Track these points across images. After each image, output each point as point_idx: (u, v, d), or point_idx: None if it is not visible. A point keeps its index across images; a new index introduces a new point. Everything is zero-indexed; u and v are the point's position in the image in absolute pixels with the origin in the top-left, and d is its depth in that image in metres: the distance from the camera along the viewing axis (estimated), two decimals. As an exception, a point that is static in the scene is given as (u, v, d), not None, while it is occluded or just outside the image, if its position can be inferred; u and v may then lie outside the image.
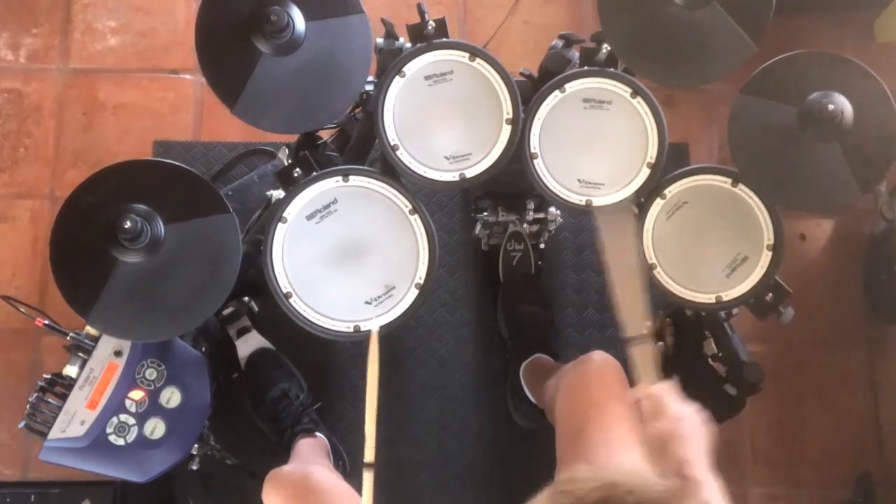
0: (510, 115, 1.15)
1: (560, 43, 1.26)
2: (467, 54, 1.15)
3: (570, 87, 1.17)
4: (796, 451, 1.70)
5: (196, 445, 1.34)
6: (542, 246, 1.65)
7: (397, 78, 1.15)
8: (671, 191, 1.19)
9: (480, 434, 1.64)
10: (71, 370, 1.25)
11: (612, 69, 1.18)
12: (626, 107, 1.18)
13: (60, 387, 1.26)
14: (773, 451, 1.70)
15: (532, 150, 1.17)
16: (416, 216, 1.16)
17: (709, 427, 0.89)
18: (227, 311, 1.50)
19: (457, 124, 1.16)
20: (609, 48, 1.17)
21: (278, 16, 1.06)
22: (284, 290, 1.14)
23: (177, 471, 1.32)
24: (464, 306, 1.69)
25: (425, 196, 1.69)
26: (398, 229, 1.16)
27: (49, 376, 1.27)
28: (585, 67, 1.19)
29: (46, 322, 1.29)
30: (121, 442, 1.25)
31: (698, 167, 1.20)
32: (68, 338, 1.26)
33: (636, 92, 1.17)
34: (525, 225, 1.58)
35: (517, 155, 1.16)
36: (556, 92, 1.17)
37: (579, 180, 1.19)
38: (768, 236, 1.18)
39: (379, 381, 0.95)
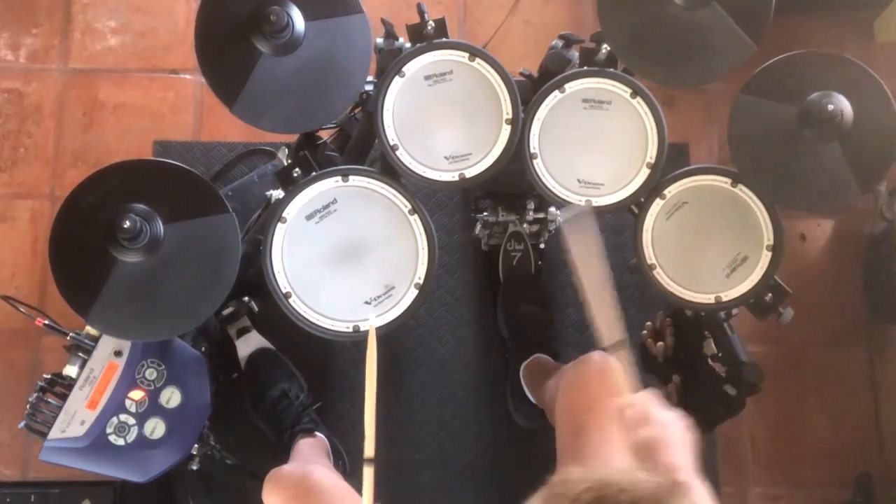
0: (510, 115, 1.15)
1: (560, 43, 1.26)
2: (467, 54, 1.15)
3: (570, 87, 1.17)
4: (796, 451, 1.70)
5: (196, 445, 1.34)
6: (542, 246, 1.65)
7: (397, 78, 1.15)
8: (671, 191, 1.19)
9: (480, 434, 1.64)
10: (71, 370, 1.25)
11: (611, 69, 1.18)
12: (625, 107, 1.18)
13: (60, 387, 1.26)
14: (773, 451, 1.70)
15: (532, 150, 1.17)
16: (416, 216, 1.16)
17: (693, 432, 0.89)
18: (227, 311, 1.50)
19: (456, 124, 1.17)
20: (609, 48, 1.17)
21: (278, 16, 1.06)
22: (284, 290, 1.14)
23: (177, 471, 1.32)
24: (464, 306, 1.69)
25: (425, 196, 1.69)
26: (398, 229, 1.16)
27: (49, 376, 1.27)
28: (585, 67, 1.19)
29: (46, 322, 1.29)
30: (121, 442, 1.25)
31: (698, 167, 1.20)
32: (68, 338, 1.26)
33: (636, 92, 1.17)
34: (525, 225, 1.58)
35: (517, 155, 1.16)
36: (556, 92, 1.17)
37: (579, 180, 1.19)
38: (768, 236, 1.18)
39: (378, 378, 0.95)
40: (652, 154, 1.18)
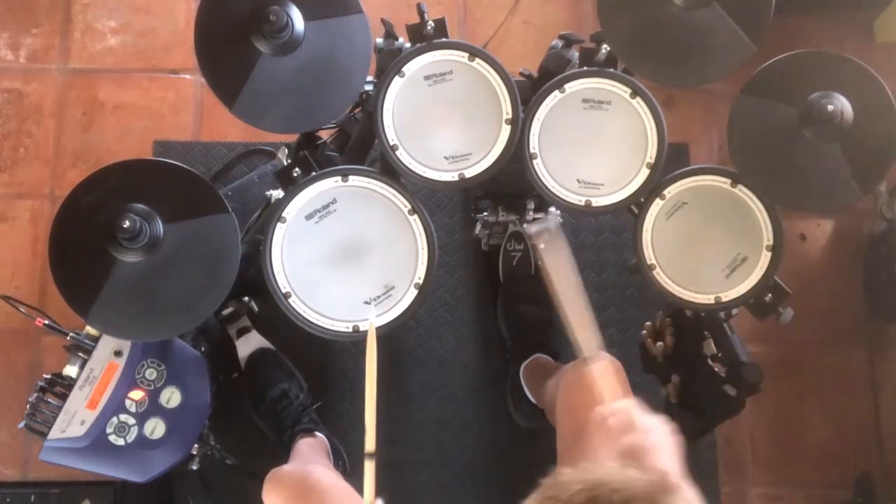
0: (510, 115, 1.15)
1: (560, 43, 1.26)
2: (467, 54, 1.15)
3: (570, 87, 1.17)
4: (796, 451, 1.70)
5: (196, 445, 1.34)
6: (542, 246, 1.65)
7: (397, 78, 1.15)
8: (671, 191, 1.19)
9: (480, 434, 1.64)
10: (71, 370, 1.25)
11: (611, 69, 1.18)
12: (625, 107, 1.18)
13: (60, 387, 1.26)
14: (773, 451, 1.70)
15: (531, 150, 1.17)
16: (416, 216, 1.16)
17: (677, 437, 0.89)
18: (227, 311, 1.50)
19: (456, 124, 1.17)
20: (609, 48, 1.17)
21: (277, 16, 1.06)
22: (284, 291, 1.14)
23: (177, 471, 1.32)
24: (464, 306, 1.69)
25: (425, 196, 1.69)
26: (397, 229, 1.16)
27: (49, 376, 1.27)
28: (585, 67, 1.19)
29: (46, 322, 1.29)
30: (121, 442, 1.25)
31: (698, 167, 1.20)
32: (68, 338, 1.26)
33: (636, 92, 1.17)
34: (525, 225, 1.58)
35: (517, 155, 1.16)
36: (556, 92, 1.17)
37: (579, 180, 1.19)
38: (768, 237, 1.18)
39: (378, 377, 0.95)
40: (652, 154, 1.18)
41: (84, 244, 1.10)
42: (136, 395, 1.26)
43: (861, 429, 1.71)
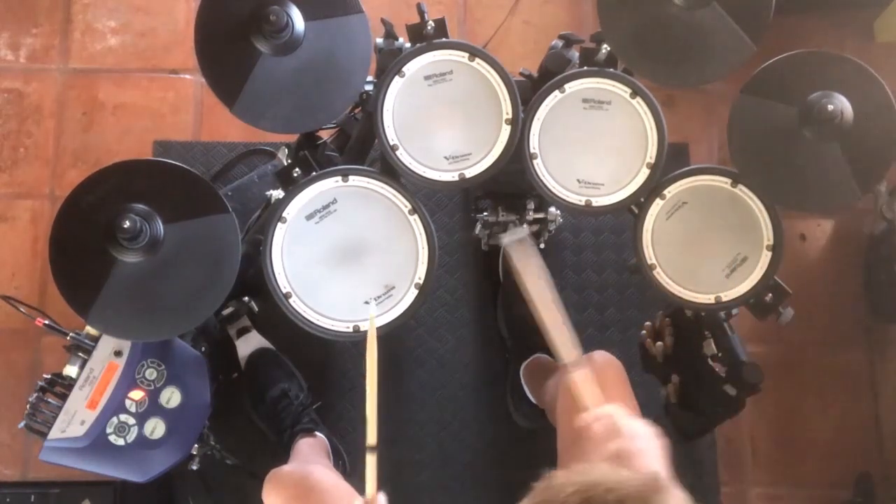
0: (510, 115, 1.15)
1: (560, 43, 1.26)
2: (467, 54, 1.15)
3: (570, 87, 1.17)
4: (796, 451, 1.70)
5: (196, 445, 1.34)
6: (542, 246, 1.65)
7: (397, 78, 1.15)
8: (671, 191, 1.19)
9: (480, 434, 1.64)
10: (71, 370, 1.25)
11: (611, 69, 1.18)
12: (625, 107, 1.18)
13: (60, 387, 1.26)
14: (773, 451, 1.70)
15: (532, 150, 1.17)
16: (416, 216, 1.16)
17: (662, 440, 0.89)
18: (227, 311, 1.50)
19: (456, 124, 1.17)
20: (609, 48, 1.17)
21: (277, 16, 1.06)
22: (284, 291, 1.14)
23: (177, 471, 1.32)
24: (464, 306, 1.69)
25: (425, 196, 1.69)
26: (398, 229, 1.16)
27: (49, 376, 1.27)
28: (585, 67, 1.19)
29: (46, 322, 1.29)
30: (121, 442, 1.25)
31: (698, 167, 1.20)
32: (68, 338, 1.26)
33: (636, 92, 1.17)
34: (525, 225, 1.58)
35: (517, 155, 1.16)
36: (556, 92, 1.17)
37: (579, 180, 1.19)
38: (768, 236, 1.18)
39: (378, 376, 0.95)
40: (652, 154, 1.18)
41: (84, 244, 1.10)
42: (136, 395, 1.26)
43: (861, 429, 1.71)
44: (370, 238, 1.16)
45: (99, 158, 1.74)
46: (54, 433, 1.24)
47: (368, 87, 1.21)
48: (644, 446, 0.86)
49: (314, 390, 1.58)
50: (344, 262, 1.15)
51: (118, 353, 1.27)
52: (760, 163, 1.15)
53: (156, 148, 1.75)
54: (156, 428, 1.27)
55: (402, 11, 1.67)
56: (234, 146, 1.74)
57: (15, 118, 1.77)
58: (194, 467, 1.39)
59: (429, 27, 1.15)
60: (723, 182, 1.19)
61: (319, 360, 1.64)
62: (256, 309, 1.51)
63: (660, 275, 1.19)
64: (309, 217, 1.15)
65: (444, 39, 1.16)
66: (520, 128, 1.15)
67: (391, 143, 1.15)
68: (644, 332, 1.47)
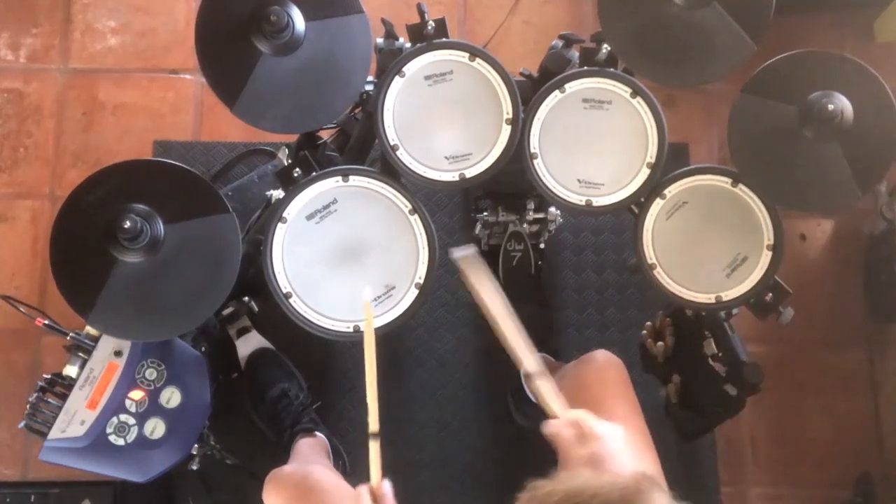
0: (510, 115, 1.15)
1: (560, 43, 1.26)
2: (467, 54, 1.15)
3: (570, 87, 1.17)
4: (796, 451, 1.70)
5: (196, 445, 1.34)
6: (542, 246, 1.65)
7: (397, 78, 1.15)
8: (671, 191, 1.19)
9: (480, 434, 1.64)
10: (71, 370, 1.25)
11: (612, 69, 1.18)
12: (625, 107, 1.18)
13: (60, 387, 1.26)
14: (773, 451, 1.70)
15: (532, 150, 1.17)
16: (416, 216, 1.16)
17: (630, 439, 0.90)
18: (227, 311, 1.50)
19: (457, 124, 1.17)
20: (609, 48, 1.17)
21: (278, 16, 1.06)
22: (284, 291, 1.14)
23: (177, 471, 1.32)
24: (464, 306, 1.69)
25: (425, 196, 1.69)
26: (398, 229, 1.16)
27: (49, 376, 1.27)
28: (585, 67, 1.19)
29: (46, 322, 1.29)
30: (121, 442, 1.25)
31: (698, 167, 1.20)
32: (68, 338, 1.26)
33: (636, 92, 1.17)
34: (525, 225, 1.58)
35: (517, 155, 1.16)
36: (556, 92, 1.17)
37: (579, 180, 1.19)
38: (768, 236, 1.18)
39: (378, 376, 0.95)
40: (652, 154, 1.18)
41: (84, 244, 1.10)
42: (136, 395, 1.26)
43: (861, 429, 1.71)
44: (370, 238, 1.16)
45: (99, 158, 1.74)
46: (54, 433, 1.24)
47: (369, 87, 1.21)
48: (615, 447, 0.87)
49: (314, 390, 1.58)
50: (344, 262, 1.15)
51: (118, 353, 1.27)
52: (760, 163, 1.15)
53: (156, 148, 1.75)
54: (156, 428, 1.27)
55: (402, 11, 1.67)
56: (234, 146, 1.74)
57: (15, 118, 1.77)
58: (194, 467, 1.39)
59: (429, 27, 1.15)
60: (723, 182, 1.19)
61: (319, 360, 1.64)
62: (256, 309, 1.51)
63: (660, 275, 1.19)
64: (309, 217, 1.15)
65: (444, 39, 1.16)
66: (520, 128, 1.15)
67: (391, 143, 1.15)
68: (644, 332, 1.47)
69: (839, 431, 1.70)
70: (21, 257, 1.71)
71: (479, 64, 1.16)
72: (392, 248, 1.16)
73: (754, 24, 1.11)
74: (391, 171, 1.16)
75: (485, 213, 1.54)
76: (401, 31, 1.21)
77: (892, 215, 1.67)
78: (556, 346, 1.62)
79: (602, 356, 1.22)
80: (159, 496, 1.54)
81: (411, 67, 1.16)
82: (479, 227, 1.58)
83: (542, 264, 1.66)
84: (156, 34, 1.82)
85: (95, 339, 1.27)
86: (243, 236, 1.30)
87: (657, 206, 1.19)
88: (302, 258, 1.15)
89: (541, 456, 1.02)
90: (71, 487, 1.53)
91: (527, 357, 0.93)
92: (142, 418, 1.26)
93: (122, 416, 1.26)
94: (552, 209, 1.52)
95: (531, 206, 1.47)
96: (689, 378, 1.38)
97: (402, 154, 1.15)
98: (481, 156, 1.16)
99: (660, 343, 1.41)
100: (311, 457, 1.42)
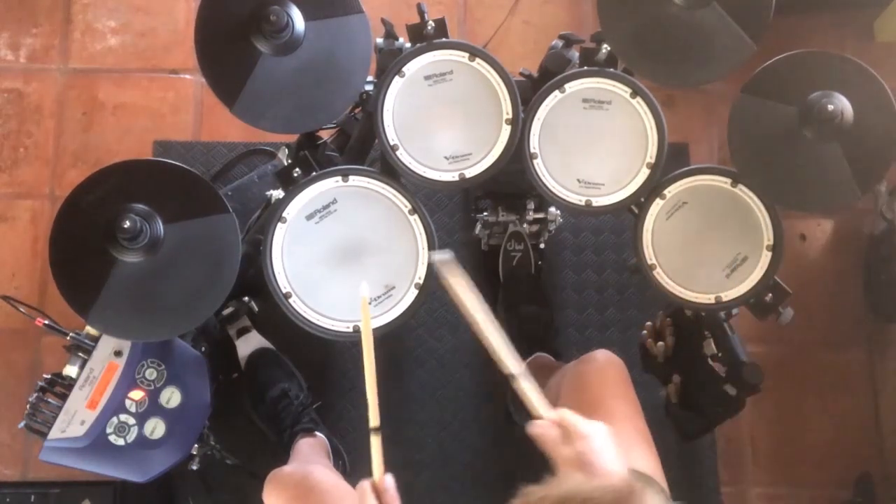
0: (510, 115, 1.15)
1: (560, 43, 1.26)
2: (467, 54, 1.15)
3: (570, 87, 1.17)
4: (796, 451, 1.70)
5: (196, 445, 1.34)
6: (542, 246, 1.65)
7: (397, 78, 1.15)
8: (671, 191, 1.19)
9: (480, 434, 1.64)
10: (71, 370, 1.25)
11: (611, 69, 1.18)
12: (625, 107, 1.18)
13: (60, 387, 1.26)
14: (773, 451, 1.70)
15: (532, 150, 1.17)
16: (416, 216, 1.16)
17: (614, 434, 0.89)
18: (227, 311, 1.50)
19: (457, 124, 1.16)
20: (609, 48, 1.17)
21: (278, 16, 1.06)
22: (284, 291, 1.14)
23: (177, 471, 1.32)
24: (464, 306, 1.69)
25: (425, 196, 1.69)
26: (398, 229, 1.16)
27: (49, 376, 1.27)
28: (585, 67, 1.19)
29: (46, 322, 1.29)
30: (121, 442, 1.25)
31: (698, 167, 1.20)
32: (68, 338, 1.26)
33: (636, 92, 1.17)
34: (525, 225, 1.58)
35: (517, 155, 1.16)
36: (556, 92, 1.17)
37: (579, 180, 1.19)
38: (768, 236, 1.18)
39: (378, 376, 0.95)
40: (652, 154, 1.18)
41: (84, 244, 1.10)
42: (136, 395, 1.26)
43: (861, 429, 1.71)
44: (370, 238, 1.16)
45: (99, 158, 1.74)
46: (54, 433, 1.24)
47: (368, 87, 1.21)
48: (601, 445, 0.87)
49: (314, 390, 1.58)
50: (344, 262, 1.15)
51: (118, 353, 1.27)
52: (760, 163, 1.15)
53: (156, 148, 1.75)
54: (156, 428, 1.27)
55: (402, 11, 1.67)
56: (234, 146, 1.74)
57: (15, 118, 1.77)
58: (194, 467, 1.39)
59: (429, 27, 1.15)
60: (723, 182, 1.19)
61: (319, 360, 1.64)
62: (256, 309, 1.51)
63: (660, 275, 1.19)
64: (309, 217, 1.15)
65: (444, 39, 1.16)
66: (520, 128, 1.15)
67: (391, 143, 1.15)
68: (644, 332, 1.47)
69: (839, 431, 1.70)
70: (21, 257, 1.71)
71: (479, 64, 1.16)
72: (392, 248, 1.16)
73: (754, 25, 1.11)
74: (391, 171, 1.16)
75: (485, 213, 1.54)
76: (401, 31, 1.21)
77: (892, 215, 1.67)
78: (557, 346, 1.62)
79: (602, 356, 1.22)
80: (159, 496, 1.54)
81: (411, 67, 1.15)
82: (479, 227, 1.58)
83: (542, 264, 1.66)
84: (156, 34, 1.82)
85: (95, 339, 1.27)
86: (243, 236, 1.30)
87: (657, 206, 1.19)
88: (302, 258, 1.15)
89: (541, 456, 1.02)
90: (71, 487, 1.53)
91: (508, 359, 0.93)
92: (142, 418, 1.26)
93: (122, 416, 1.26)
94: (552, 209, 1.52)
95: (531, 206, 1.47)
96: (689, 378, 1.38)
97: (401, 154, 1.15)
98: (481, 156, 1.16)
99: (660, 343, 1.41)
100: (311, 457, 1.42)
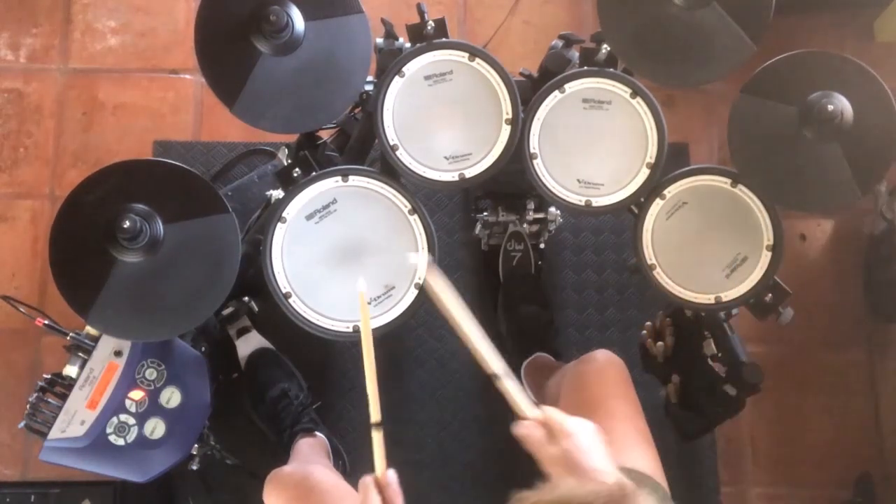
0: (510, 115, 1.15)
1: (560, 43, 1.26)
2: (467, 54, 1.15)
3: (570, 87, 1.17)
4: (796, 451, 1.70)
5: (196, 445, 1.34)
6: (542, 246, 1.65)
7: (397, 78, 1.15)
8: (671, 191, 1.19)
9: (480, 434, 1.64)
10: (71, 370, 1.25)
11: (611, 69, 1.18)
12: (625, 107, 1.18)
13: (60, 387, 1.26)
14: (773, 451, 1.70)
15: (532, 150, 1.17)
16: (416, 216, 1.16)
17: (601, 432, 0.89)
18: (227, 311, 1.50)
19: (456, 124, 1.16)
20: (609, 48, 1.17)
21: (277, 16, 1.06)
22: (284, 291, 1.14)
23: (177, 471, 1.32)
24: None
25: (425, 196, 1.69)
26: (398, 229, 1.16)
27: (49, 376, 1.27)
28: (585, 67, 1.19)
29: (46, 322, 1.29)
30: (121, 442, 1.25)
31: (698, 167, 1.20)
32: (68, 338, 1.26)
33: (636, 92, 1.17)
34: (525, 225, 1.58)
35: (517, 155, 1.16)
36: (556, 92, 1.17)
37: (579, 180, 1.19)
38: (768, 236, 1.18)
39: (378, 377, 0.95)
40: (652, 154, 1.18)
41: (84, 244, 1.10)
42: (136, 395, 1.26)
43: (861, 429, 1.71)
44: (370, 238, 1.16)
45: (99, 158, 1.74)
46: (54, 433, 1.24)
47: (368, 87, 1.21)
48: (587, 442, 0.86)
49: (314, 390, 1.58)
50: (344, 262, 1.15)
51: (118, 353, 1.27)
52: (760, 163, 1.15)
53: (156, 148, 1.75)
54: (156, 428, 1.27)
55: (402, 11, 1.67)
56: (234, 146, 1.74)
57: (15, 118, 1.77)
58: (194, 467, 1.39)
59: (429, 27, 1.15)
60: (723, 182, 1.19)
61: (319, 360, 1.64)
62: (256, 309, 1.51)
63: (660, 275, 1.19)
64: (309, 217, 1.15)
65: (444, 39, 1.16)
66: (520, 128, 1.15)
67: (391, 143, 1.15)
68: (644, 332, 1.47)
69: (839, 431, 1.70)
70: (21, 257, 1.71)
71: (479, 64, 1.16)
72: (392, 248, 1.16)
73: (754, 25, 1.11)
74: (391, 171, 1.16)
75: (485, 213, 1.54)
76: (401, 31, 1.21)
77: (892, 215, 1.67)
78: (557, 346, 1.62)
79: (602, 356, 1.22)
80: (159, 496, 1.54)
81: (411, 67, 1.15)
82: (479, 227, 1.58)
83: (542, 264, 1.66)
84: (156, 34, 1.82)
85: (95, 339, 1.27)
86: (243, 236, 1.30)
87: (657, 206, 1.19)
88: (301, 258, 1.15)
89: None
90: (71, 487, 1.53)
91: (491, 358, 0.93)
92: (142, 418, 1.26)
93: (122, 416, 1.26)
94: (552, 209, 1.52)
95: (531, 206, 1.47)
96: (688, 378, 1.38)
97: (401, 154, 1.15)
98: (481, 156, 1.16)
99: (660, 343, 1.41)
100: (311, 457, 1.42)
